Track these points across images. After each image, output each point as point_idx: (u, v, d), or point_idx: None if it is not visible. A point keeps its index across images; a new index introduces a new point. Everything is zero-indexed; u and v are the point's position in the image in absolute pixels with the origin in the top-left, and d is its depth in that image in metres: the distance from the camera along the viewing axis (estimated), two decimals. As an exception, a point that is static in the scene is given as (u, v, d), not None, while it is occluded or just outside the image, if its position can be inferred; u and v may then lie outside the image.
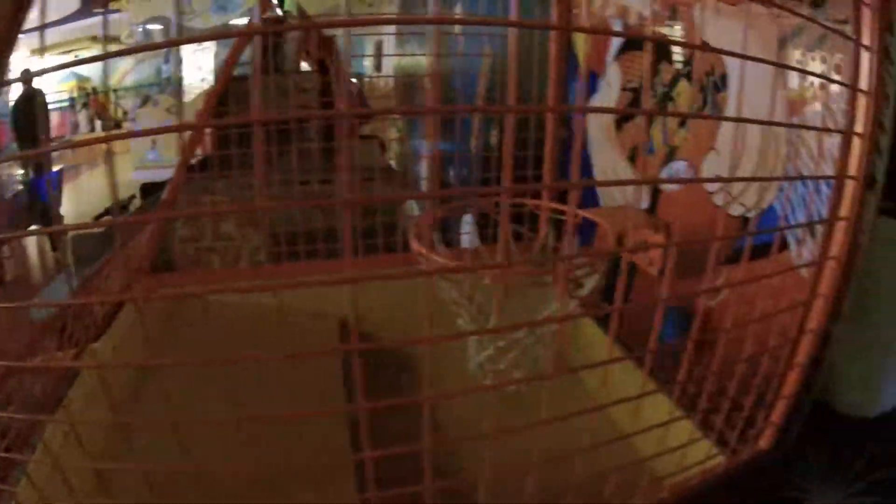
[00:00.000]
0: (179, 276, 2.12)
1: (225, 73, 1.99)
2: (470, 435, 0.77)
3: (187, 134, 2.06)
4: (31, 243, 8.69)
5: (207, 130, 2.57)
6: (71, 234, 4.34)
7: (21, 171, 8.36)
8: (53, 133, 9.81)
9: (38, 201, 7.81)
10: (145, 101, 11.24)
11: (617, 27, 1.93)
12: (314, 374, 0.98)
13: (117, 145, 8.02)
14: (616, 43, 1.89)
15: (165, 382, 0.70)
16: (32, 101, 8.19)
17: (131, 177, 10.07)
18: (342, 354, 1.60)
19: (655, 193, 1.69)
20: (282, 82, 2.21)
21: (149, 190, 5.47)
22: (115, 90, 15.09)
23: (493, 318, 1.32)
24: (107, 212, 5.43)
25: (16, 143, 8.64)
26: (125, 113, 14.63)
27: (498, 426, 0.73)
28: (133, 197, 5.65)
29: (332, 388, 1.47)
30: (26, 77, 1.11)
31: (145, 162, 10.13)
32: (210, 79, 12.24)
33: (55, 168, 8.51)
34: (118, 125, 14.48)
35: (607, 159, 1.93)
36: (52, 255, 7.83)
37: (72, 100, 15.18)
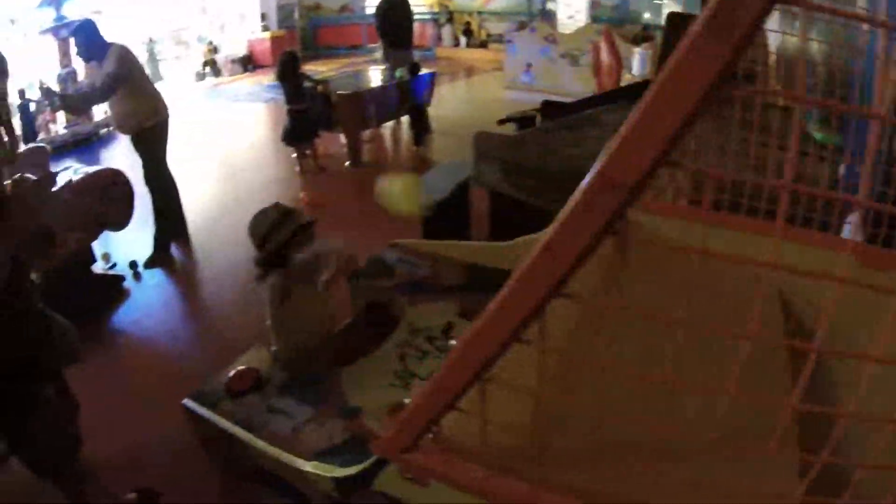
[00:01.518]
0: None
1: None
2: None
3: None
4: (389, 134, 9.08)
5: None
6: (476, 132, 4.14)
7: (387, 69, 8.77)
8: (415, 42, 10.10)
9: (411, 98, 8.11)
10: (522, 25, 11.14)
11: None
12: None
13: (491, 63, 8.22)
14: None
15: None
16: (396, 8, 8.82)
17: (503, 95, 10.07)
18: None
19: None
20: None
21: (549, 107, 5.12)
22: (479, 13, 15.43)
23: None
24: (509, 119, 5.16)
25: (382, 44, 9.12)
26: (489, 35, 14.87)
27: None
28: (537, 111, 5.33)
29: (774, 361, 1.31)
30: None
31: (518, 83, 10.09)
32: (579, 17, 12.05)
33: (427, 71, 8.62)
34: (483, 45, 14.76)
35: None
36: (416, 150, 8.17)
37: (434, 14, 15.73)
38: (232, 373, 2.32)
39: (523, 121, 5.14)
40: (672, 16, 4.23)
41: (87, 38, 4.97)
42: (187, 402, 2.26)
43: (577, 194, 0.72)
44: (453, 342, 2.40)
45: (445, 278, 2.85)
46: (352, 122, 7.57)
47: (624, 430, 1.16)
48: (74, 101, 5.38)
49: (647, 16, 11.75)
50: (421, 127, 8.25)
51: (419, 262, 2.97)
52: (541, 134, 3.85)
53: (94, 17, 5.11)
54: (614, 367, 0.92)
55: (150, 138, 5.28)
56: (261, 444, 2.00)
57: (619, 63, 8.04)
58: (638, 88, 5.25)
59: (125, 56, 4.99)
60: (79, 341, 2.56)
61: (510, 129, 5.07)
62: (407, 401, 2.12)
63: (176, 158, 5.77)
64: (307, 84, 7.47)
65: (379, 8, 8.93)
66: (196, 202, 6.66)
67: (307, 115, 7.35)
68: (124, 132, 5.38)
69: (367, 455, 1.82)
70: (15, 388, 2.15)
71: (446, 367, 1.04)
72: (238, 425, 2.09)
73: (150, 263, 5.51)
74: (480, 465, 1.20)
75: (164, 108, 5.38)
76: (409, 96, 8.10)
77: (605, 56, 8.17)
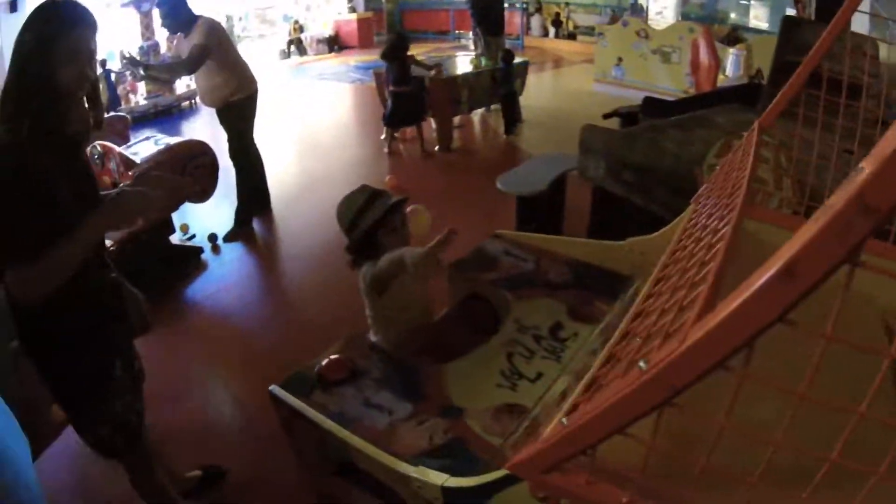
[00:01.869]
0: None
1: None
2: None
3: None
4: (476, 121, 8.94)
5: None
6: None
7: (479, 56, 8.78)
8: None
9: (504, 86, 7.95)
10: (614, 19, 10.87)
11: None
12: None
13: (579, 55, 8.19)
14: None
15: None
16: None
17: (593, 88, 9.84)
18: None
19: None
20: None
21: (651, 104, 4.91)
22: (566, 3, 15.12)
23: None
24: (614, 114, 4.98)
25: (475, 30, 9.17)
26: (576, 27, 14.59)
27: None
28: (639, 108, 5.13)
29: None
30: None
31: (608, 76, 9.81)
32: (668, 13, 11.72)
33: (520, 59, 8.48)
34: (571, 36, 14.48)
35: None
36: (506, 139, 8.00)
37: (523, 3, 15.50)
38: (325, 361, 2.15)
39: (627, 116, 4.94)
40: (787, 20, 4.00)
41: (174, 9, 4.92)
42: (275, 389, 2.10)
43: (826, 216, 0.62)
44: (566, 342, 2.23)
45: (551, 274, 2.66)
46: (444, 107, 7.47)
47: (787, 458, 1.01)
48: (158, 72, 5.35)
49: (733, 16, 11.37)
50: (512, 116, 8.08)
51: (524, 255, 2.79)
52: (649, 131, 3.63)
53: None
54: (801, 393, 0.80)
55: (237, 112, 5.22)
56: (357, 440, 1.84)
57: (718, 63, 7.77)
58: (743, 91, 5.03)
59: (213, 29, 4.92)
60: (149, 311, 2.43)
61: (613, 123, 4.88)
62: (513, 402, 1.95)
63: (261, 133, 5.70)
64: (413, 66, 7.33)
65: None
66: (280, 178, 6.63)
67: (411, 98, 7.23)
68: (210, 105, 5.33)
69: (469, 461, 1.67)
70: (83, 362, 2.03)
71: (628, 390, 0.89)
72: (332, 419, 1.93)
73: (230, 237, 5.47)
74: (626, 489, 1.09)
75: (253, 82, 5.31)
76: (501, 84, 7.95)
77: (703, 55, 7.89)
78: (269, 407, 2.18)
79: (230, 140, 5.33)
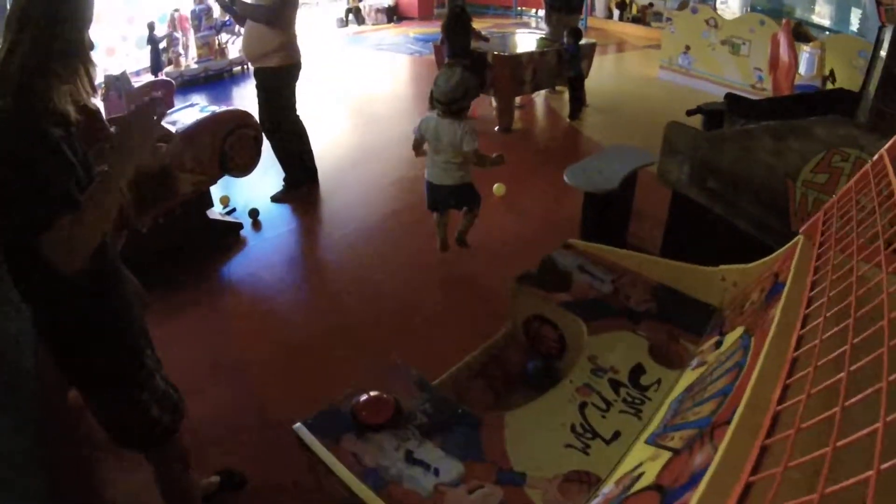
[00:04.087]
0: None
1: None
2: None
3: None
4: (539, 102, 8.53)
5: None
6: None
7: (547, 34, 8.33)
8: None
9: (571, 67, 7.54)
10: (684, 5, 10.32)
11: None
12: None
13: (642, 40, 7.85)
14: None
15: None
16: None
17: (657, 75, 9.41)
18: None
19: None
20: None
21: (735, 102, 4.49)
22: None
23: None
24: (698, 110, 4.73)
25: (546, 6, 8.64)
26: (640, 11, 14.01)
27: None
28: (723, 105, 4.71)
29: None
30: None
31: (674, 65, 9.28)
32: (732, 3, 11.10)
33: (588, 40, 8.02)
34: (637, 20, 13.90)
35: None
36: (569, 123, 7.59)
37: None
38: (363, 397, 1.80)
39: (711, 114, 4.52)
40: (900, 31, 3.57)
41: None
42: (300, 428, 1.76)
43: None
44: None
45: (632, 300, 2.28)
46: (507, 85, 7.06)
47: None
48: (241, 7, 5.02)
49: (798, 11, 10.68)
50: (578, 99, 7.68)
51: (600, 273, 2.40)
52: (740, 135, 3.20)
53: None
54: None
55: (273, 75, 5.00)
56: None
57: (797, 62, 7.24)
58: (833, 96, 4.59)
59: None
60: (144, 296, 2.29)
61: (695, 122, 4.46)
62: (583, 470, 1.59)
63: (313, 104, 5.39)
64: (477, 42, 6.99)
65: None
66: (330, 151, 6.37)
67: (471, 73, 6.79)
68: (248, 55, 5.23)
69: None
70: (122, 344, 1.89)
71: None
72: (363, 478, 1.59)
73: (279, 198, 5.37)
74: None
75: (298, 52, 5.09)
76: (569, 65, 7.51)
77: (783, 52, 7.34)
78: (300, 407, 1.89)
79: (261, 104, 5.11)
